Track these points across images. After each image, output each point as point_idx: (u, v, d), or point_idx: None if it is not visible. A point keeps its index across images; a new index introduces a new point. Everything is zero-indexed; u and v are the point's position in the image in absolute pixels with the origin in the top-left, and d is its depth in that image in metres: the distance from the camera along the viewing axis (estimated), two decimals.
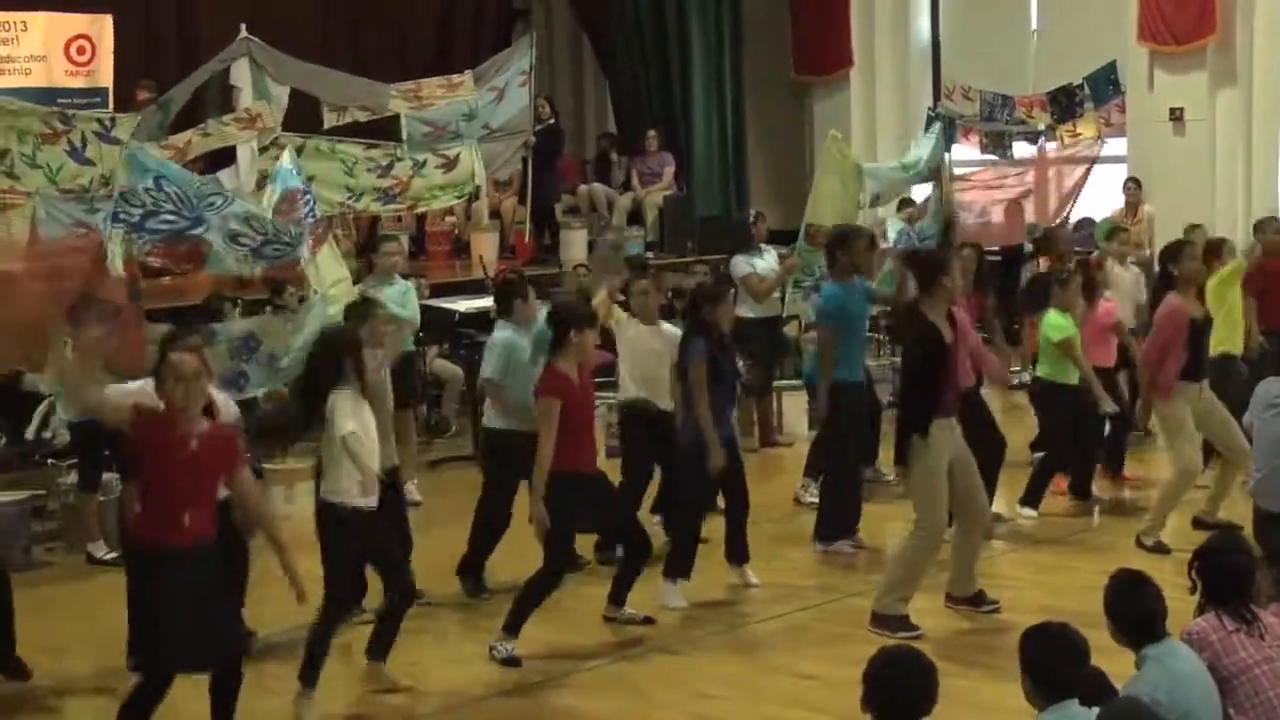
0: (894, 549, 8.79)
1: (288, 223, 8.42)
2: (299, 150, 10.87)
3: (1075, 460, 9.99)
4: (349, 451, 6.58)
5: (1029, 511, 9.64)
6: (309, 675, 6.67)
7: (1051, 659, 4.46)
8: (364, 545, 6.75)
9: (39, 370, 8.32)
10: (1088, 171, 15.31)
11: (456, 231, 16.48)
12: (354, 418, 6.62)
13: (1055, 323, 9.55)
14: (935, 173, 11.82)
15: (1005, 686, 5.15)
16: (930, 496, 7.45)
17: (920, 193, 14.22)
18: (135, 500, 6.26)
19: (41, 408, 9.07)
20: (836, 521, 9.04)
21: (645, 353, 8.80)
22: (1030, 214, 14.76)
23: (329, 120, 11.42)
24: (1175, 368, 8.70)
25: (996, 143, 16.32)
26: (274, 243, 8.23)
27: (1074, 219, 15.61)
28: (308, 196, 8.65)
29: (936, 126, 12.58)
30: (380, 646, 6.94)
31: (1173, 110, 15.68)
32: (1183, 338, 8.69)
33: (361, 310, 7.86)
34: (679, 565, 8.06)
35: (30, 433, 9.31)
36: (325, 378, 6.70)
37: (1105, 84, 16.07)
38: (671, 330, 8.82)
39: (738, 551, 8.37)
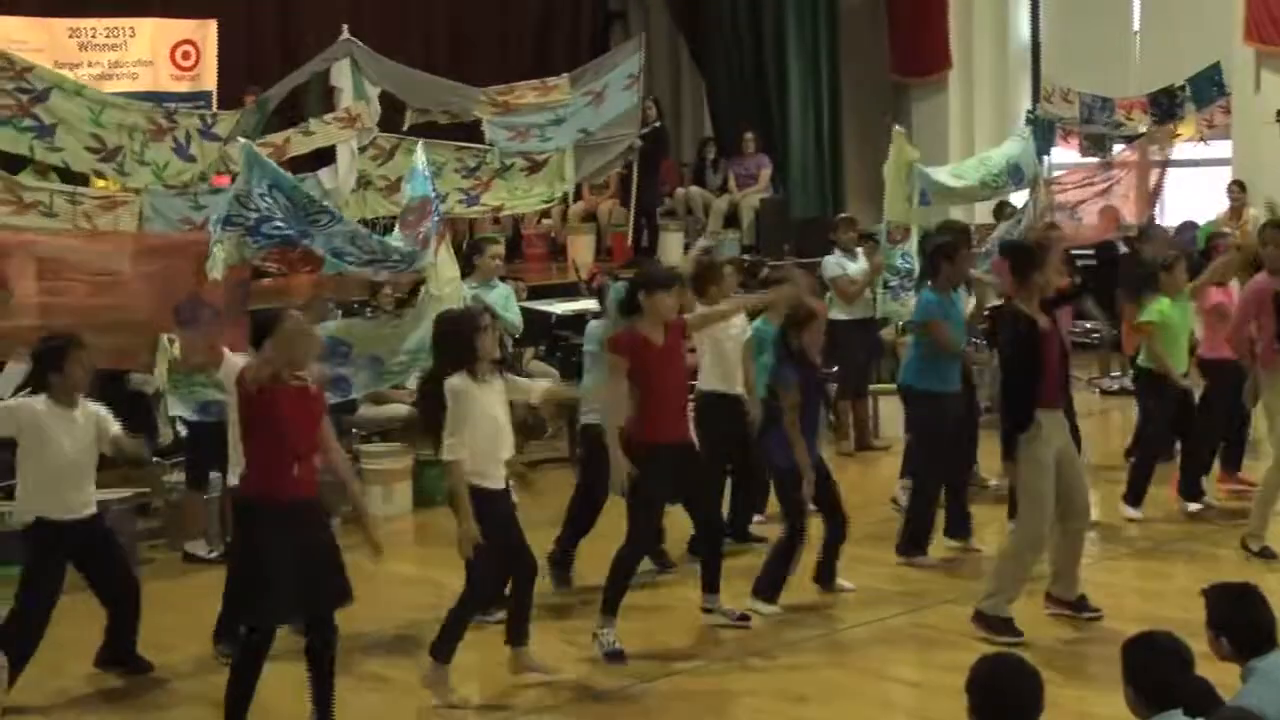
0: (997, 551, 8.72)
1: (410, 236, 8.47)
2: (390, 152, 11.00)
3: (1183, 459, 9.82)
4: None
5: (1132, 511, 9.50)
6: (443, 651, 6.74)
7: (1155, 668, 4.39)
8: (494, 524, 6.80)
9: (147, 368, 8.46)
10: (1163, 174, 15.02)
11: (553, 234, 16.57)
12: (464, 397, 6.68)
13: (1154, 307, 9.42)
14: (1032, 180, 11.73)
15: (1107, 695, 5.09)
16: (1036, 491, 7.32)
17: (1021, 199, 14.09)
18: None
19: (160, 408, 9.24)
20: (919, 535, 8.94)
21: (719, 343, 8.77)
22: (1127, 215, 14.57)
23: (410, 119, 11.51)
24: (1270, 342, 8.58)
25: (1097, 145, 16.12)
26: (382, 262, 8.30)
27: (1176, 223, 15.36)
28: (437, 199, 8.72)
29: (1026, 132, 12.45)
30: (519, 631, 6.98)
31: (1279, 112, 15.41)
32: (1267, 311, 8.58)
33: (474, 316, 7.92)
34: (769, 588, 7.94)
35: (169, 436, 9.49)
36: (449, 361, 6.74)
37: (1209, 85, 15.81)
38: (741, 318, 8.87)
39: (825, 576, 8.27)
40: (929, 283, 9.07)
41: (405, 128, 11.28)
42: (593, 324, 8.77)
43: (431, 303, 8.65)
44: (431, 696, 6.74)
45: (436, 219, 8.64)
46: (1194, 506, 9.68)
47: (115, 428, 7.22)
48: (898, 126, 11.48)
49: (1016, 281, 7.49)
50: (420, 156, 8.98)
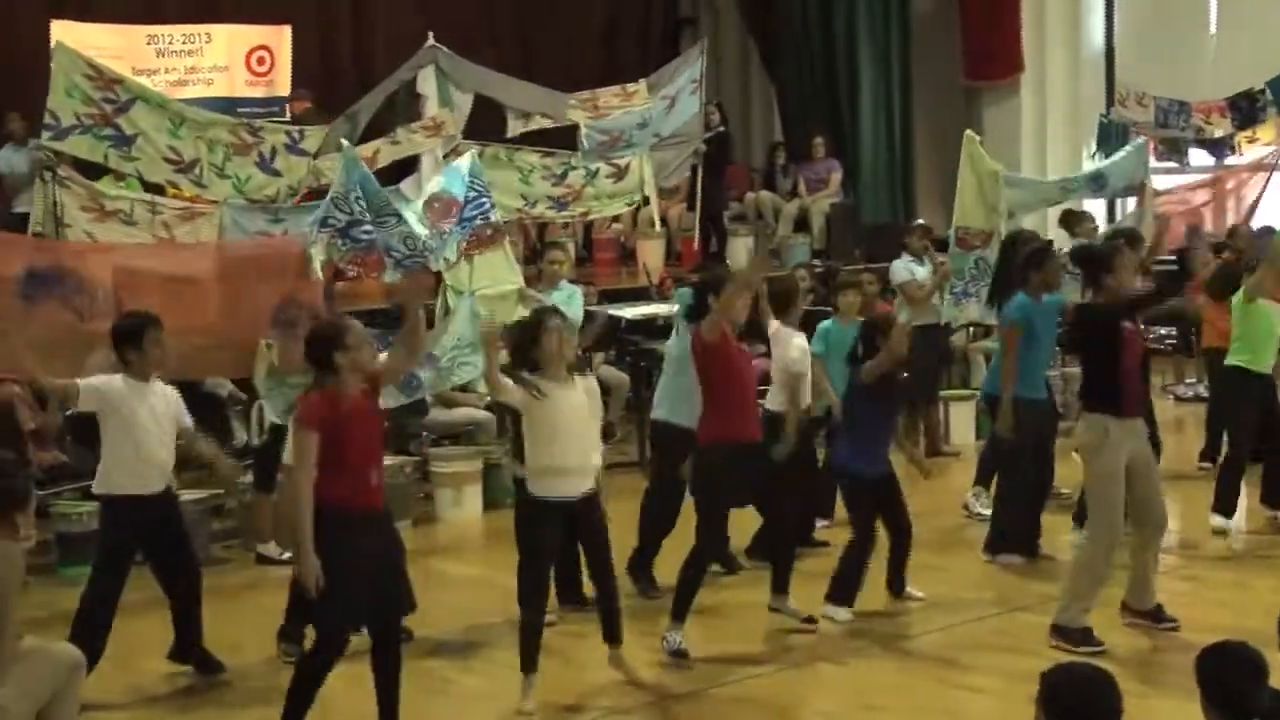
0: (1070, 560, 8.64)
1: (435, 229, 8.55)
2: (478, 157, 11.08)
3: (1266, 465, 9.62)
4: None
5: (1222, 521, 9.33)
6: (528, 663, 6.75)
7: (1229, 679, 4.33)
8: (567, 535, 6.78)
9: (245, 374, 8.56)
10: (1267, 181, 14.85)
11: (623, 239, 16.59)
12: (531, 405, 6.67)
13: (1242, 305, 9.32)
14: (1138, 190, 11.66)
15: (1184, 706, 5.02)
16: (1106, 499, 7.26)
17: (1089, 205, 13.98)
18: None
19: (254, 413, 9.34)
20: (1006, 534, 8.89)
21: (785, 360, 8.76)
22: (1209, 224, 14.41)
23: (514, 128, 11.60)
24: None
25: (1173, 150, 15.93)
26: (415, 257, 8.38)
27: (1254, 227, 15.16)
28: (483, 200, 8.76)
29: (1139, 141, 12.35)
30: (611, 632, 7.01)
31: None
32: None
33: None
34: (843, 593, 7.92)
35: (255, 439, 9.58)
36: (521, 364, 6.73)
37: None
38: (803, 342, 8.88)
39: (897, 584, 8.23)
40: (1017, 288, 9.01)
41: (508, 135, 11.38)
42: (672, 342, 8.75)
43: (460, 300, 8.75)
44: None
45: (467, 226, 8.69)
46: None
47: (189, 419, 7.36)
48: (970, 131, 11.42)
49: (1091, 287, 7.47)
50: (465, 162, 9.01)
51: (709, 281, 7.62)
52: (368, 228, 7.89)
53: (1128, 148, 12.32)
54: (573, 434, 6.72)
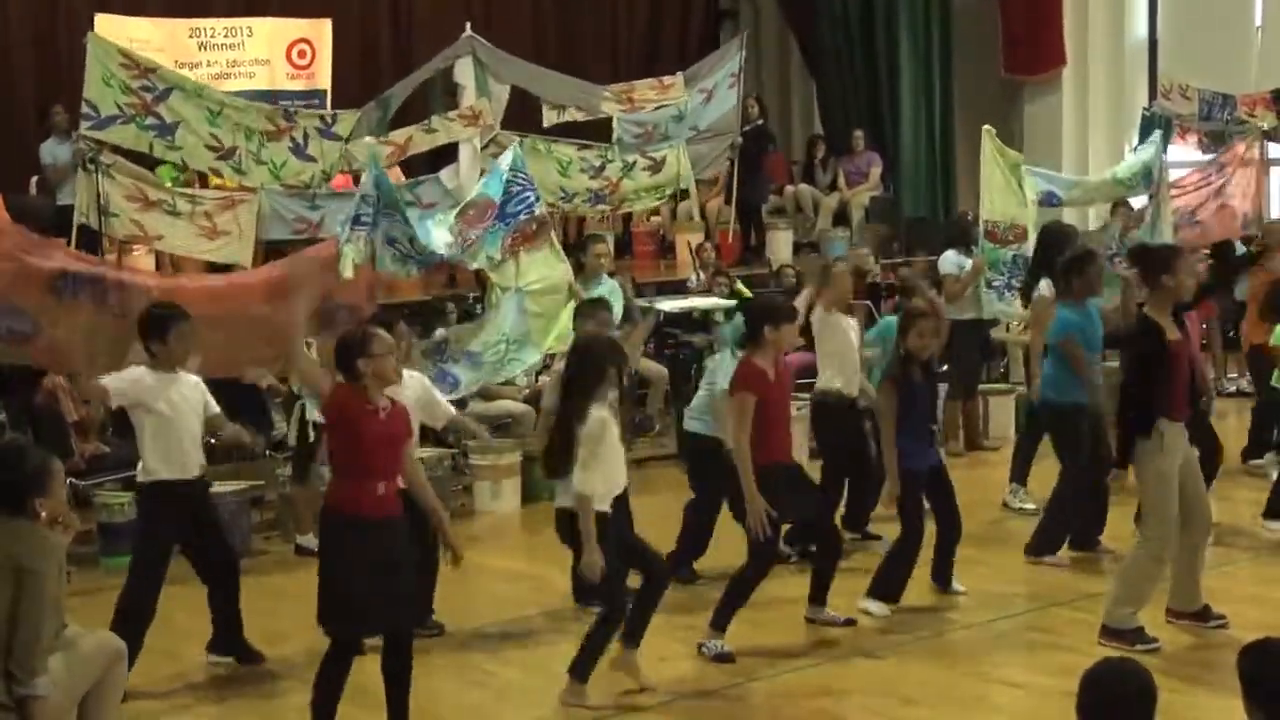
0: (1117, 557, 8.59)
1: (462, 234, 8.53)
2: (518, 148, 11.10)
3: None
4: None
5: (1275, 525, 9.26)
6: (581, 670, 6.65)
7: (1271, 677, 4.30)
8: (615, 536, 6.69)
9: (283, 374, 8.59)
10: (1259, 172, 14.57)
11: (662, 231, 16.59)
12: (607, 431, 6.58)
13: None
14: (1155, 183, 11.59)
15: (1229, 704, 4.99)
16: (1161, 503, 7.20)
17: (1136, 199, 13.88)
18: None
19: (295, 411, 9.40)
20: (1052, 539, 8.84)
21: (838, 338, 8.79)
22: (1246, 213, 14.27)
23: (549, 119, 11.62)
24: None
25: (1216, 142, 15.79)
26: (420, 258, 8.39)
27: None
28: (526, 194, 8.72)
29: (1157, 135, 12.27)
30: (634, 631, 6.85)
31: None
32: None
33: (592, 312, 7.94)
34: (886, 589, 7.89)
35: (291, 438, 9.61)
36: (590, 384, 6.61)
37: None
38: (852, 322, 8.96)
39: (942, 575, 8.21)
40: (1058, 295, 8.91)
41: (546, 125, 11.40)
42: (712, 362, 8.70)
43: (506, 297, 8.75)
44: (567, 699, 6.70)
45: (511, 221, 8.68)
46: None
47: (215, 407, 7.37)
48: (987, 126, 11.40)
49: (1147, 287, 7.37)
50: (506, 157, 8.99)
51: (766, 309, 7.48)
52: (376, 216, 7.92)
53: (1151, 142, 12.27)
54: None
